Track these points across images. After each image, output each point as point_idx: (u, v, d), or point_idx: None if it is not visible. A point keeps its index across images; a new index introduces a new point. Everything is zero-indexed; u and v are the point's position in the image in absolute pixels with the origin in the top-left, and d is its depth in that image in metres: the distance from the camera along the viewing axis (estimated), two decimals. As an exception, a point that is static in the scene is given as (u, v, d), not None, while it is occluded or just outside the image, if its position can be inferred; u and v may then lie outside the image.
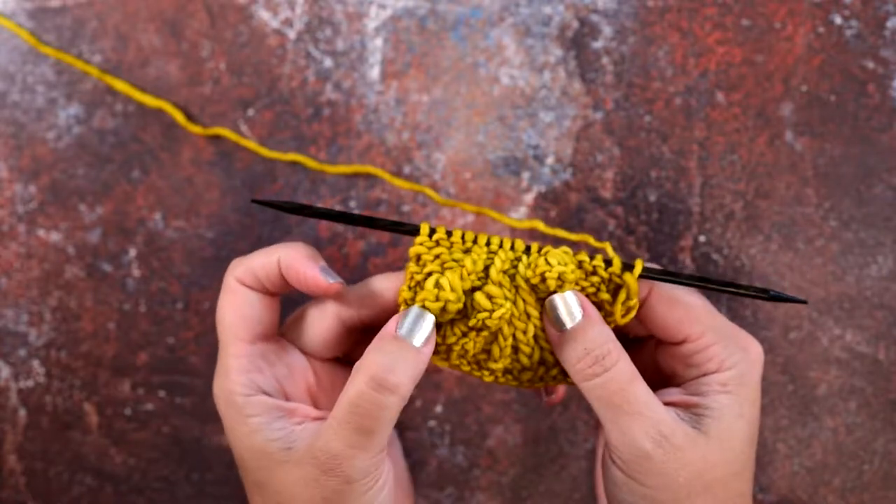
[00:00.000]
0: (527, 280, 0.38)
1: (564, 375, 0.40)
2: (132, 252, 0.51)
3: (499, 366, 0.39)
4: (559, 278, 0.37)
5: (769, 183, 0.50)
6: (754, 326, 0.50)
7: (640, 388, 0.37)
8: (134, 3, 0.50)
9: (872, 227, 0.50)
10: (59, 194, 0.51)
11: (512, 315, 0.38)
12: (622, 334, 0.42)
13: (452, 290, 0.37)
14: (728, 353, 0.38)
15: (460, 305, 0.37)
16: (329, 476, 0.35)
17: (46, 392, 0.51)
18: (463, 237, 0.38)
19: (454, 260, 0.38)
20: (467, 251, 0.38)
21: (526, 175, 0.50)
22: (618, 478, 0.37)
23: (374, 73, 0.50)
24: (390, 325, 0.37)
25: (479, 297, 0.37)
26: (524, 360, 0.39)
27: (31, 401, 0.52)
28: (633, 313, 0.39)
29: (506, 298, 0.37)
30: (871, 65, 0.49)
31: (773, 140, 0.50)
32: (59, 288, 0.51)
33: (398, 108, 0.50)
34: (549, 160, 0.50)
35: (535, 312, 0.39)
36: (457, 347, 0.38)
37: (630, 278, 0.38)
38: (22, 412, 0.52)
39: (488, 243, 0.38)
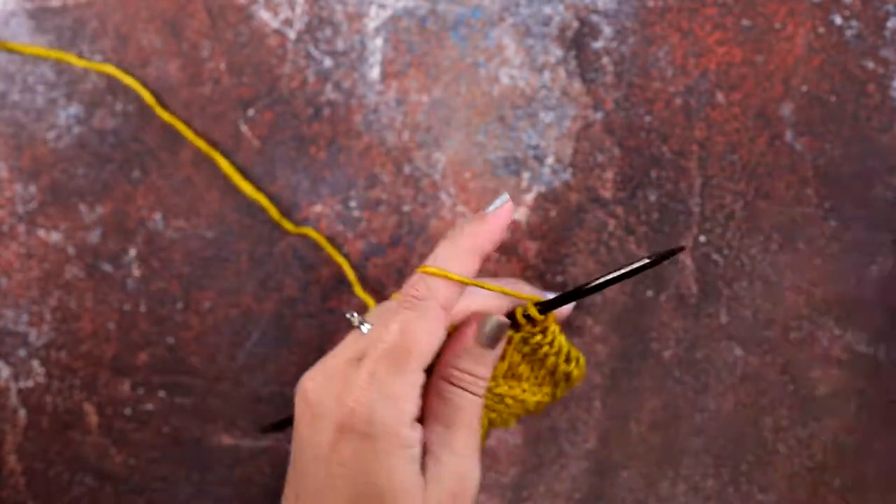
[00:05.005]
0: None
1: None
2: (132, 252, 0.51)
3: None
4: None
5: (769, 183, 0.50)
6: (754, 327, 0.50)
7: None
8: (134, 3, 0.50)
9: (872, 227, 0.50)
10: (59, 194, 0.51)
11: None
12: None
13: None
14: None
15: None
16: (458, 500, 0.37)
17: (46, 392, 0.51)
18: None
19: None
20: None
21: (526, 175, 0.50)
22: None
23: (374, 73, 0.50)
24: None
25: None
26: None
27: (31, 401, 0.52)
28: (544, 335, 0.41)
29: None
30: (871, 65, 0.49)
31: (773, 140, 0.50)
32: (59, 288, 0.51)
33: (398, 108, 0.50)
34: (549, 160, 0.50)
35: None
36: None
37: (538, 315, 0.40)
38: (22, 412, 0.52)
39: None
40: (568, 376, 0.42)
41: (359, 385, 0.35)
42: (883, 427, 0.50)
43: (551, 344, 0.41)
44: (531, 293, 0.41)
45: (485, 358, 0.39)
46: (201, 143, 0.50)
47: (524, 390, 0.42)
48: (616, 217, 0.50)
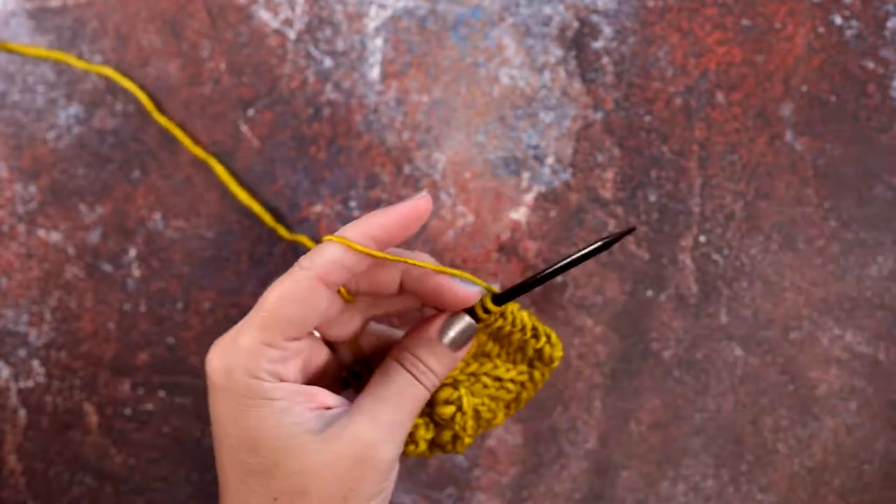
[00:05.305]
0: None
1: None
2: (132, 252, 0.51)
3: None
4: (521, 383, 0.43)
5: (769, 183, 0.50)
6: (754, 326, 0.50)
7: None
8: (134, 3, 0.50)
9: (872, 227, 0.50)
10: (59, 194, 0.51)
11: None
12: None
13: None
14: None
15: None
16: (359, 465, 0.36)
17: (46, 392, 0.51)
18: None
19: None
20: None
21: (526, 175, 0.50)
22: None
23: (374, 73, 0.50)
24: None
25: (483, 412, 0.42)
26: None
27: (31, 401, 0.52)
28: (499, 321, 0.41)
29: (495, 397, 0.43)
30: (871, 65, 0.49)
31: (773, 140, 0.50)
32: (59, 288, 0.51)
33: (398, 108, 0.50)
34: (549, 160, 0.50)
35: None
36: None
37: (493, 307, 0.40)
38: (22, 412, 0.52)
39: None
40: (540, 353, 0.42)
41: (224, 344, 0.37)
42: (883, 427, 0.50)
43: (514, 323, 0.40)
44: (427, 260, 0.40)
45: (443, 356, 0.39)
46: (198, 151, 0.50)
47: (496, 366, 0.41)
48: (616, 217, 0.50)
